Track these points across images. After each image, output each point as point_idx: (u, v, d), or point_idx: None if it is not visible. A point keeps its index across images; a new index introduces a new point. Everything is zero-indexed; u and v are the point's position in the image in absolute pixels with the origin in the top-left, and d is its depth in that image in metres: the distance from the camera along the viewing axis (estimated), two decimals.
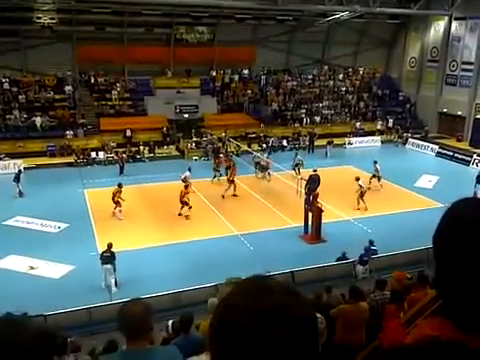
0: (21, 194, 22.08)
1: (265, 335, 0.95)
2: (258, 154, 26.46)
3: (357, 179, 20.96)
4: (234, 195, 22.36)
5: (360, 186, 20.74)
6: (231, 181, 22.49)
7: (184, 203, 19.67)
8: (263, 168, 24.97)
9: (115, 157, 27.77)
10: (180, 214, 19.69)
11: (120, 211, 19.71)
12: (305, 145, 32.12)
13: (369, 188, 23.44)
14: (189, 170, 22.64)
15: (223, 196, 22.09)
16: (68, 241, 17.14)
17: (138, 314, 2.72)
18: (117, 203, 19.60)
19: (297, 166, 25.10)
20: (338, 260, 15.28)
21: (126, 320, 2.72)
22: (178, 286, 13.03)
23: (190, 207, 19.66)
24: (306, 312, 1.02)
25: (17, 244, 16.81)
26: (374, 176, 23.64)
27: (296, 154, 26.62)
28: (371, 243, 15.43)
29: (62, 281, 14.41)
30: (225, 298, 1.06)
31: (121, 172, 25.54)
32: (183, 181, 22.26)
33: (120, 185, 19.79)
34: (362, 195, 20.85)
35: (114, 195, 19.51)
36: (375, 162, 23.87)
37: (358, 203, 20.86)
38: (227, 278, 1.90)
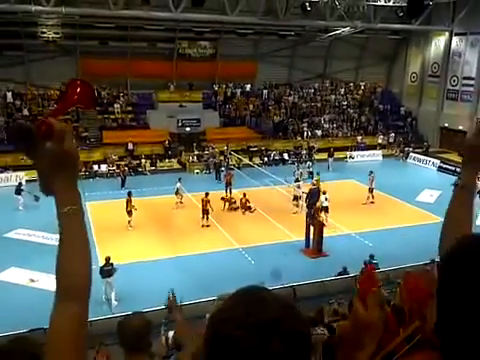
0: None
1: (257, 349, 0.94)
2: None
3: (323, 193, 20.01)
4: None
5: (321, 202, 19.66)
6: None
7: (207, 212, 20.09)
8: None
9: (117, 170, 27.84)
10: (208, 225, 20.21)
11: (129, 222, 19.94)
12: (307, 159, 32.22)
13: (372, 202, 23.51)
14: (179, 180, 22.97)
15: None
16: None
17: (137, 328, 2.72)
18: (129, 213, 19.85)
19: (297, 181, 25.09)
20: (339, 275, 15.21)
21: (125, 334, 2.73)
22: (179, 300, 12.95)
23: (207, 217, 20.15)
24: (300, 326, 1.01)
25: (17, 257, 16.79)
26: (370, 190, 23.66)
27: (298, 168, 26.66)
28: (371, 257, 15.39)
29: None
30: (219, 310, 1.05)
31: (123, 185, 25.58)
32: (176, 194, 22.64)
33: (130, 193, 20.17)
34: (326, 211, 19.86)
35: (127, 204, 19.85)
36: (371, 172, 23.97)
37: (326, 220, 19.59)
38: (219, 295, 1.89)
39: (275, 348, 0.95)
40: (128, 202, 19.94)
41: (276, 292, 1.12)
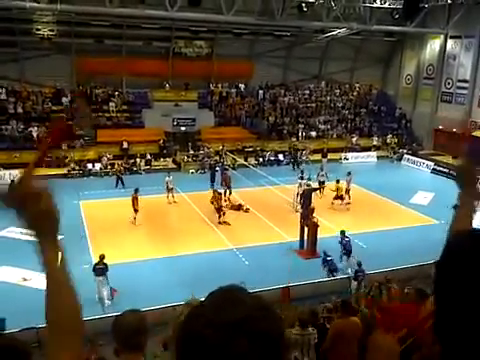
0: None
1: (222, 348, 0.94)
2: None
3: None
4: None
5: None
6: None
7: (219, 209, 20.42)
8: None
9: (112, 169, 27.67)
10: (223, 222, 20.45)
11: (134, 218, 20.23)
12: (301, 160, 32.24)
13: (349, 203, 23.28)
14: (169, 175, 23.41)
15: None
16: None
17: (133, 325, 2.68)
18: (136, 211, 20.21)
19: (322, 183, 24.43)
20: (323, 261, 15.54)
21: (120, 330, 2.69)
22: (172, 300, 12.91)
23: (223, 213, 20.53)
24: (271, 327, 1.00)
25: (10, 255, 16.64)
26: (347, 191, 23.49)
27: (321, 169, 25.85)
28: (359, 265, 15.10)
29: None
30: (193, 308, 1.06)
31: (117, 184, 25.44)
32: (168, 189, 22.92)
33: (137, 190, 20.46)
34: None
35: (133, 202, 20.11)
36: (349, 173, 24.18)
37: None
38: (186, 299, 1.90)
39: (241, 348, 0.95)
40: (135, 199, 20.22)
41: (259, 293, 1.11)
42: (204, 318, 0.99)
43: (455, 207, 1.83)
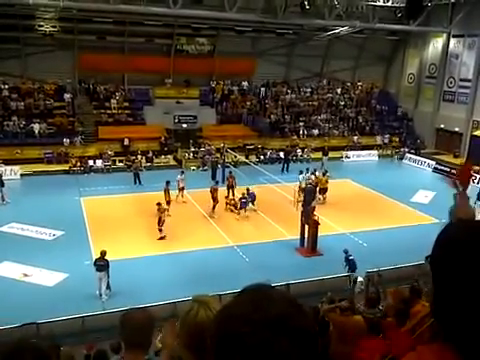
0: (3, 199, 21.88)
1: (265, 346, 0.93)
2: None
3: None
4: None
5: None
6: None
7: (161, 221, 18.59)
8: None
9: (132, 164, 27.58)
10: (161, 237, 18.60)
11: (167, 210, 20.00)
12: (302, 158, 32.14)
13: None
14: (181, 174, 23.50)
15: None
16: (63, 249, 17.05)
17: (141, 322, 2.66)
18: (168, 203, 20.46)
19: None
20: (345, 259, 15.35)
21: (128, 327, 2.66)
22: (173, 296, 12.94)
23: (160, 229, 18.60)
24: (307, 323, 1.00)
25: (11, 251, 16.70)
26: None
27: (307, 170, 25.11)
28: (346, 252, 15.56)
29: (56, 289, 14.29)
30: (225, 307, 1.04)
31: (136, 181, 25.45)
32: (179, 188, 22.85)
33: (168, 183, 20.87)
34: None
35: (165, 194, 20.55)
36: (314, 170, 24.51)
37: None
38: (194, 295, 1.89)
39: (282, 347, 0.93)
40: (167, 191, 20.56)
41: (285, 290, 1.11)
42: (241, 316, 0.97)
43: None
